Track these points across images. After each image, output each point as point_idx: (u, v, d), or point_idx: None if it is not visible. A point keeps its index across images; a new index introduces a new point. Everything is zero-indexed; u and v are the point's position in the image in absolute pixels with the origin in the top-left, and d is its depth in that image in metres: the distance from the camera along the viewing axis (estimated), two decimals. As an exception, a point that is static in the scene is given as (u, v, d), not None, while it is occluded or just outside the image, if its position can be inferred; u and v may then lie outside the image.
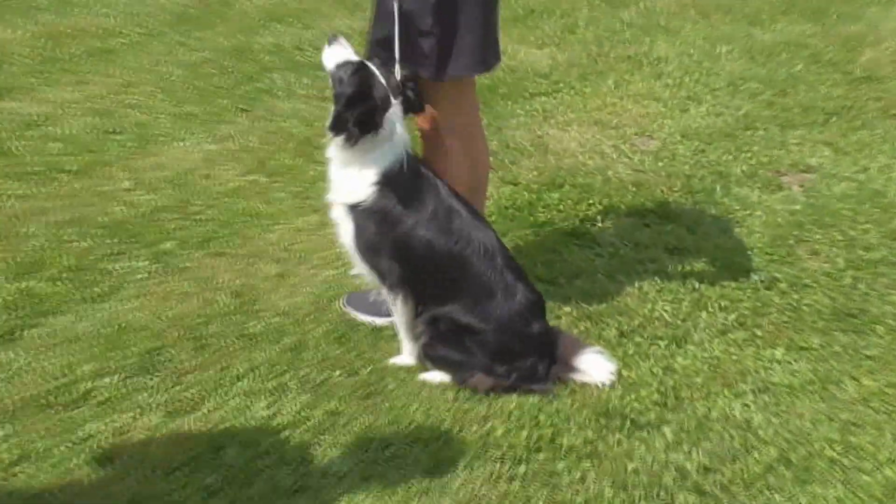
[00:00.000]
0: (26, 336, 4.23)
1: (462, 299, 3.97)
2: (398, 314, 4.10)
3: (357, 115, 3.80)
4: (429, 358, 4.07)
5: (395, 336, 4.22)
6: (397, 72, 3.95)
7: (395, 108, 3.91)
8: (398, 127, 3.93)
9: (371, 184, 3.91)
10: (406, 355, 4.18)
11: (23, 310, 4.39)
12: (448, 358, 4.04)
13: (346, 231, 4.01)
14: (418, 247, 3.94)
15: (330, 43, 3.98)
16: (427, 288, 4.02)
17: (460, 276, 3.96)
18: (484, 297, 3.96)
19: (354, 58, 3.93)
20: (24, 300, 4.46)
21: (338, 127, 3.83)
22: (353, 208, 3.95)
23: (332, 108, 3.88)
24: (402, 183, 3.93)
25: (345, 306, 4.48)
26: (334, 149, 3.93)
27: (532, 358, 4.00)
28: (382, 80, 3.88)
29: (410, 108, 4.03)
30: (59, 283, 4.62)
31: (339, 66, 3.91)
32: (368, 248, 3.99)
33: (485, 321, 3.96)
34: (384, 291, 4.09)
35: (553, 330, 4.18)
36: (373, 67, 3.90)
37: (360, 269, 4.10)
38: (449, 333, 4.00)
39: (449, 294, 3.99)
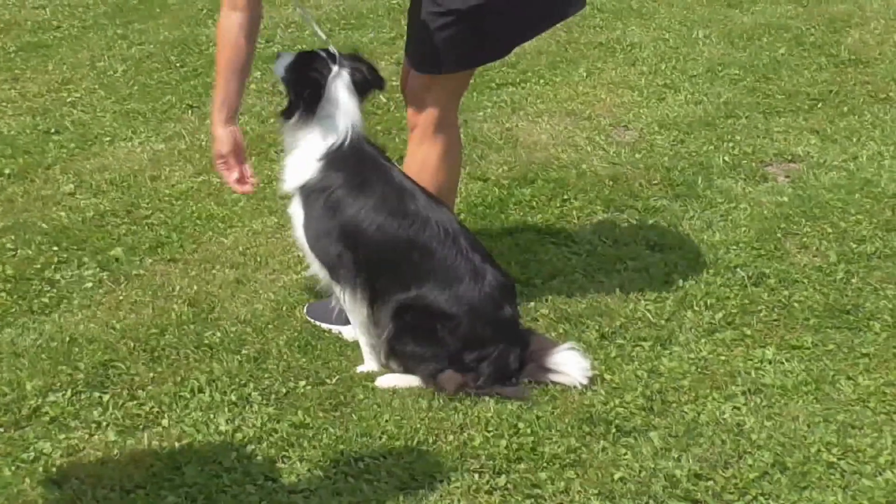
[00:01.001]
0: (-31, 351, 4.24)
1: (428, 283, 4.03)
2: (353, 312, 4.14)
3: (302, 90, 4.04)
4: (395, 353, 4.12)
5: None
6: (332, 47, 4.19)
7: (341, 78, 4.09)
8: (343, 98, 4.09)
9: (315, 160, 4.06)
10: (369, 361, 4.21)
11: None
12: (416, 352, 4.08)
13: (296, 220, 4.14)
14: (369, 230, 4.02)
15: (279, 56, 4.26)
16: (385, 277, 4.08)
17: (421, 260, 4.03)
18: (451, 281, 4.03)
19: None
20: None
21: (287, 111, 4.10)
22: (302, 191, 4.08)
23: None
24: (348, 161, 4.07)
25: (308, 316, 4.50)
26: (286, 135, 4.16)
27: (503, 344, 4.06)
28: (326, 56, 4.11)
29: (367, 84, 4.20)
30: (-1, 294, 4.63)
31: (288, 67, 4.17)
32: (317, 235, 4.09)
33: (456, 305, 4.02)
34: (336, 289, 4.14)
35: (526, 331, 4.23)
36: (320, 53, 4.14)
37: (312, 264, 4.18)
38: (417, 323, 4.05)
39: (412, 280, 4.05)
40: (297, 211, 4.13)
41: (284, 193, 4.24)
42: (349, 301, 4.12)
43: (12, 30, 7.93)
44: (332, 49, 4.17)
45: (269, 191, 5.50)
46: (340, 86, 4.10)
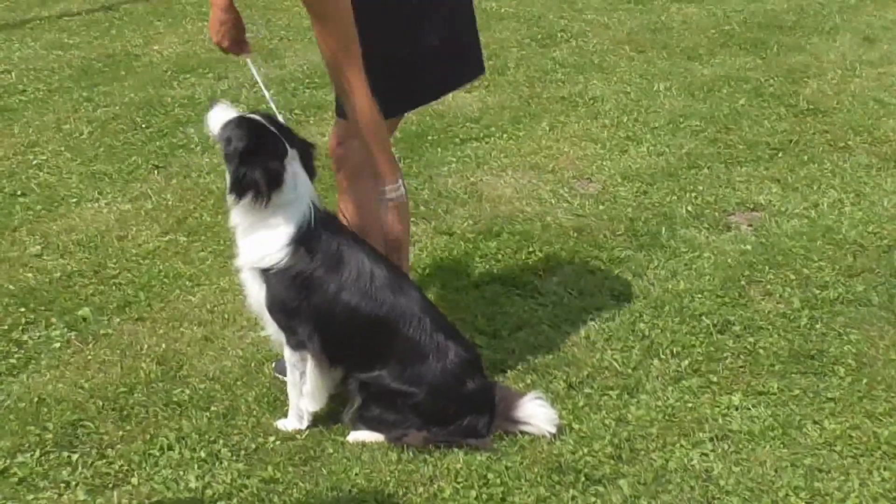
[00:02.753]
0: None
1: (390, 364, 4.02)
2: (310, 376, 4.10)
3: (258, 170, 3.85)
4: (363, 420, 4.12)
5: (332, 397, 4.26)
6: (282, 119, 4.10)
7: (293, 157, 3.98)
8: (301, 179, 3.99)
9: (283, 245, 3.95)
10: (293, 420, 4.20)
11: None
12: (382, 418, 4.09)
13: (255, 294, 4.04)
14: (341, 313, 3.98)
15: (211, 106, 4.05)
16: (350, 353, 4.07)
17: (387, 341, 4.01)
18: (414, 361, 4.02)
19: (240, 113, 4.01)
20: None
21: (239, 188, 3.89)
22: (266, 272, 3.98)
23: (227, 172, 3.94)
24: (319, 244, 3.97)
25: (276, 373, 4.51)
26: (239, 213, 3.97)
27: (469, 416, 4.07)
28: (273, 129, 3.97)
29: (310, 160, 4.10)
30: (-34, 356, 4.62)
31: (225, 126, 3.96)
32: (286, 313, 4.02)
33: (416, 385, 4.02)
34: (288, 352, 4.10)
35: (490, 384, 4.25)
36: (259, 118, 3.99)
37: (270, 329, 4.12)
38: (381, 395, 4.05)
39: (375, 359, 4.04)
40: (255, 286, 4.03)
41: (240, 267, 4.12)
42: (312, 370, 4.09)
43: (-23, 94, 7.96)
44: (279, 117, 4.13)
45: (234, 248, 5.51)
46: (296, 167, 3.99)
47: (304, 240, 3.95)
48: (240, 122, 3.95)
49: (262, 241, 3.97)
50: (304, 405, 4.17)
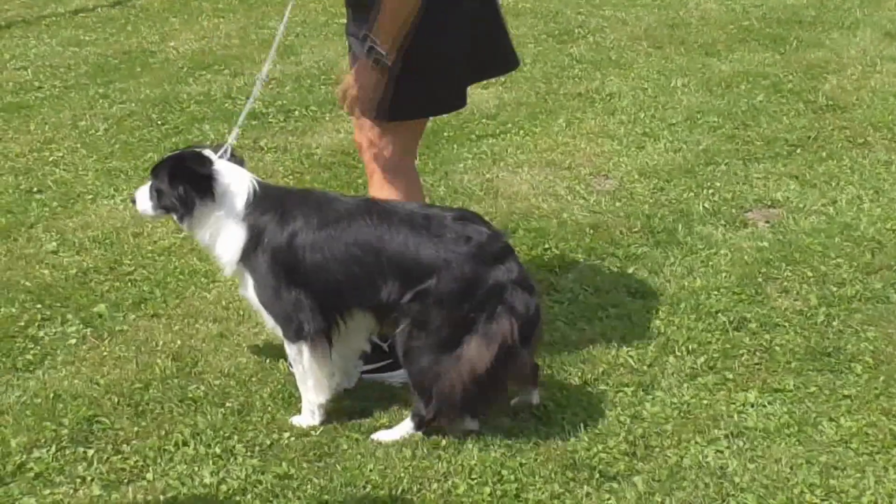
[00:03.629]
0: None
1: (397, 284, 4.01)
2: (311, 363, 4.15)
3: (186, 187, 4.12)
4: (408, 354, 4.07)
5: (347, 392, 4.29)
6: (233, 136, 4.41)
7: (221, 161, 4.21)
8: (230, 167, 4.21)
9: (236, 227, 4.13)
10: (307, 415, 4.24)
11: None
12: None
13: (249, 290, 4.20)
14: (310, 254, 4.06)
15: (136, 198, 4.33)
16: (350, 290, 4.09)
17: (377, 260, 4.02)
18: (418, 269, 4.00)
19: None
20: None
21: (182, 210, 4.16)
22: (243, 262, 4.14)
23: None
24: (265, 205, 4.14)
25: (291, 368, 4.54)
26: (194, 229, 4.22)
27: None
28: (185, 153, 4.28)
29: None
30: (-17, 352, 4.67)
31: (146, 189, 4.26)
32: (271, 291, 4.12)
33: (434, 273, 3.97)
34: (287, 346, 4.20)
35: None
36: (186, 156, 4.24)
37: (269, 322, 4.22)
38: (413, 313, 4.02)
39: (380, 282, 4.02)
40: (246, 282, 4.19)
41: (232, 275, 4.30)
42: (308, 354, 4.13)
43: (-5, 91, 8.02)
44: (229, 145, 4.33)
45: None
46: (224, 165, 4.20)
47: (254, 210, 4.12)
48: (153, 174, 4.26)
49: (224, 237, 4.16)
50: (312, 398, 4.21)
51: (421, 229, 4.00)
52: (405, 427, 4.14)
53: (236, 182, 4.16)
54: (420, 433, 4.12)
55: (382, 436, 4.14)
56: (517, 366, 4.03)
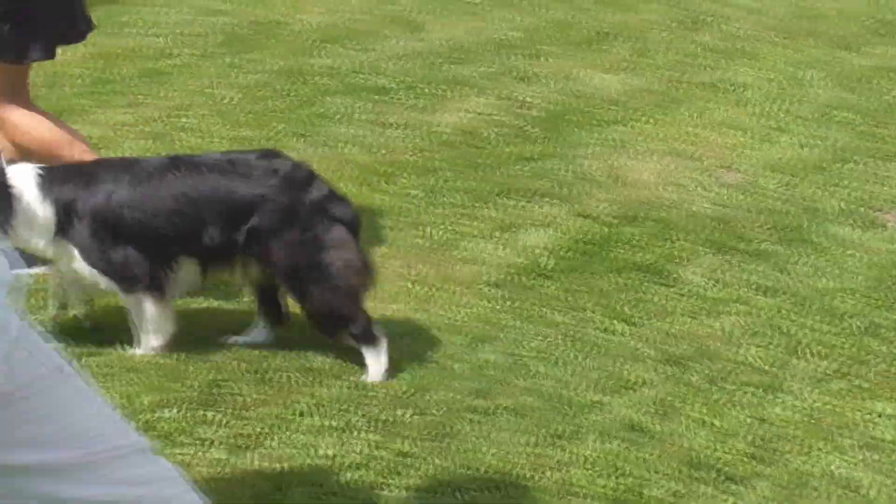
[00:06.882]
0: (84, 364, 4.30)
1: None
2: (150, 310, 4.29)
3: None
4: None
5: (466, 372, 4.25)
6: None
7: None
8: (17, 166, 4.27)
9: (39, 206, 4.19)
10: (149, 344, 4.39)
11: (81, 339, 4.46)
12: None
13: (74, 258, 4.27)
14: (130, 212, 4.19)
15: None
16: (178, 237, 4.26)
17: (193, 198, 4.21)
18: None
19: None
20: (81, 330, 4.53)
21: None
22: (59, 234, 4.22)
23: None
24: (60, 180, 4.24)
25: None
26: (17, 236, 4.20)
27: None
28: None
29: None
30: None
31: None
32: (96, 251, 4.24)
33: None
34: (124, 298, 4.35)
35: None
36: None
37: (103, 283, 4.31)
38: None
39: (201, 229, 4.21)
40: (73, 256, 4.26)
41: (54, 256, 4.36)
42: (146, 302, 4.28)
43: (132, 57, 8.06)
44: None
45: (379, 219, 5.54)
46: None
47: (51, 188, 4.19)
48: None
49: (35, 224, 4.21)
50: (152, 342, 4.35)
51: (229, 173, 4.24)
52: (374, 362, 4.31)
53: (19, 175, 4.20)
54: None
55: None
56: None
